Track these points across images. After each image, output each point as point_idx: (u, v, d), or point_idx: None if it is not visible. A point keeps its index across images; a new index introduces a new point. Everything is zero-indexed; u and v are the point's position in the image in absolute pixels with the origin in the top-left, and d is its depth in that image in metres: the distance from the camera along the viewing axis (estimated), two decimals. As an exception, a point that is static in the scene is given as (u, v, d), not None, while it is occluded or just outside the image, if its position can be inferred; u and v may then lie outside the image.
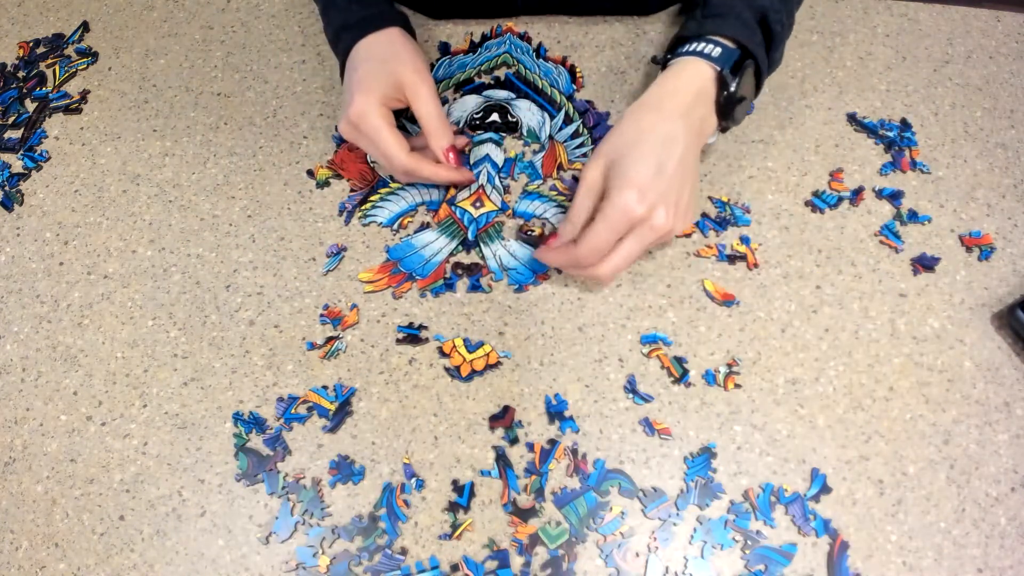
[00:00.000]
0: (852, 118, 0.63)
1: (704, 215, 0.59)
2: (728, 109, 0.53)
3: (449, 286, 0.56)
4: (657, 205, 0.50)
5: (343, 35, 0.59)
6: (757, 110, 0.64)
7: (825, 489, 0.48)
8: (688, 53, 0.54)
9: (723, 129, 0.56)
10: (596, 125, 0.63)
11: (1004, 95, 0.65)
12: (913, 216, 0.58)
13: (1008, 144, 0.62)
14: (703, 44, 0.54)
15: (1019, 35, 0.68)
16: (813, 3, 0.70)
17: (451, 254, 0.58)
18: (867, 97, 0.65)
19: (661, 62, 0.57)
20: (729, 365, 0.52)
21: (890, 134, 0.62)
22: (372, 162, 0.63)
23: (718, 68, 0.52)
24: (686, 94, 0.52)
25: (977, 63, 0.67)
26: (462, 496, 0.49)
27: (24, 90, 0.70)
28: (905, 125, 0.63)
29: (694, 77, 0.53)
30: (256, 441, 0.51)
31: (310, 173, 0.62)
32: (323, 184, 0.62)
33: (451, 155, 0.57)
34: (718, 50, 0.53)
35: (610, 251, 0.51)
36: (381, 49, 0.57)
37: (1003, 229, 0.58)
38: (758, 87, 0.56)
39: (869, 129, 0.63)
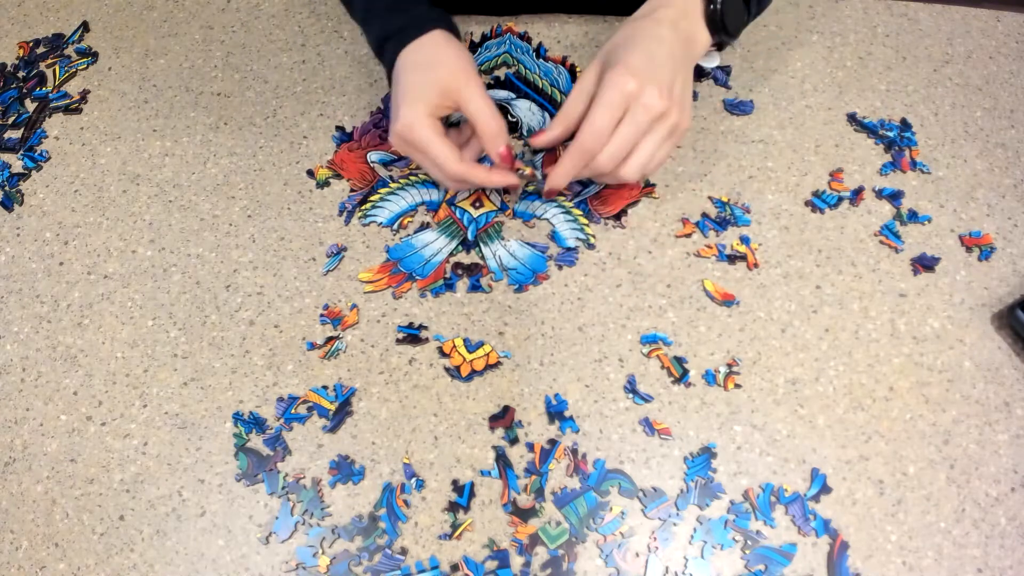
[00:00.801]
0: (852, 118, 0.63)
1: (704, 215, 0.59)
2: (716, 23, 0.54)
3: (449, 286, 0.56)
4: (647, 83, 0.50)
5: (386, 46, 0.57)
6: (757, 110, 0.64)
7: (825, 489, 0.48)
8: None
9: (718, 46, 0.57)
10: (596, 125, 0.63)
11: (1004, 95, 0.65)
12: (913, 216, 0.58)
13: (1008, 144, 0.62)
14: None
15: (1019, 35, 0.68)
16: (813, 3, 0.71)
17: (451, 254, 0.58)
18: (867, 97, 0.65)
19: None
20: (729, 365, 0.52)
21: (890, 134, 0.62)
22: (414, 168, 0.62)
23: None
24: (671, 7, 0.54)
25: (977, 63, 0.67)
26: (462, 496, 0.49)
27: (24, 90, 0.70)
28: (905, 125, 0.63)
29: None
30: (256, 441, 0.51)
31: (310, 173, 0.62)
32: (323, 184, 0.62)
33: (505, 157, 0.55)
34: None
35: (624, 150, 0.51)
36: (424, 56, 0.56)
37: (1003, 229, 0.58)
38: (756, 3, 0.57)
39: (869, 129, 0.63)
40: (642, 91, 0.50)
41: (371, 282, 0.57)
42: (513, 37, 0.69)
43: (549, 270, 0.57)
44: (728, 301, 0.55)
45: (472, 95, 0.54)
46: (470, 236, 0.58)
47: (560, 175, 0.53)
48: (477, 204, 0.60)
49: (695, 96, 0.65)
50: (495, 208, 0.59)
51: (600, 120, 0.50)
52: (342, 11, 0.72)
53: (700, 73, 0.66)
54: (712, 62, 0.61)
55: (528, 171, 0.57)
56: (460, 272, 0.57)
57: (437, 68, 0.54)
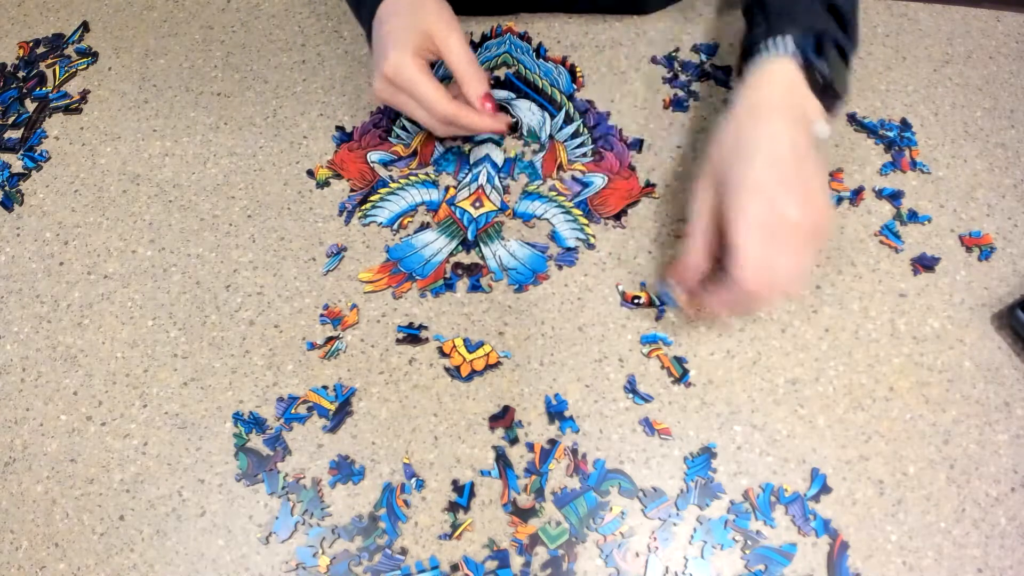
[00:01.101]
0: (852, 118, 0.63)
1: (704, 215, 0.59)
2: (826, 89, 0.50)
3: (449, 286, 0.56)
4: (781, 199, 0.45)
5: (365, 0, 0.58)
6: (757, 110, 0.64)
7: (825, 489, 0.48)
8: (763, 56, 0.51)
9: (830, 111, 0.52)
10: (596, 125, 0.63)
11: (1004, 95, 0.65)
12: (913, 216, 0.58)
13: (1008, 144, 0.62)
14: (775, 45, 0.51)
15: (1019, 35, 0.68)
16: (813, 3, 0.70)
17: (451, 254, 0.58)
18: (867, 97, 0.65)
19: (738, 72, 0.55)
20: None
21: (890, 134, 0.62)
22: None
23: (799, 56, 0.50)
24: (777, 91, 0.50)
25: (977, 63, 0.67)
26: (462, 496, 0.49)
27: (24, 90, 0.70)
28: (905, 125, 0.63)
29: (779, 74, 0.50)
30: (256, 441, 0.51)
31: (310, 173, 0.62)
32: (323, 184, 0.62)
33: (488, 104, 0.56)
34: (791, 43, 0.50)
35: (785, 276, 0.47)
36: (406, 3, 0.56)
37: (1003, 229, 0.58)
38: (852, 50, 0.53)
39: (869, 129, 0.63)
40: (779, 209, 0.45)
41: (371, 282, 0.57)
42: (513, 37, 0.69)
43: (549, 270, 0.57)
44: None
45: (453, 41, 0.55)
46: (470, 236, 0.58)
47: (719, 308, 0.50)
48: (477, 204, 0.60)
49: (695, 96, 0.65)
50: (495, 208, 0.59)
51: (752, 252, 0.45)
52: (342, 11, 0.72)
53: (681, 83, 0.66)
54: (825, 131, 0.51)
55: (644, 297, 0.54)
56: (460, 272, 0.57)
57: (420, 13, 0.55)
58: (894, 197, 0.59)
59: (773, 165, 0.47)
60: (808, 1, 0.52)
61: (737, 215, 0.46)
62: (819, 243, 0.48)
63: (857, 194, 0.59)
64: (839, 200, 0.59)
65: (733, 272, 0.46)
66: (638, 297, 0.55)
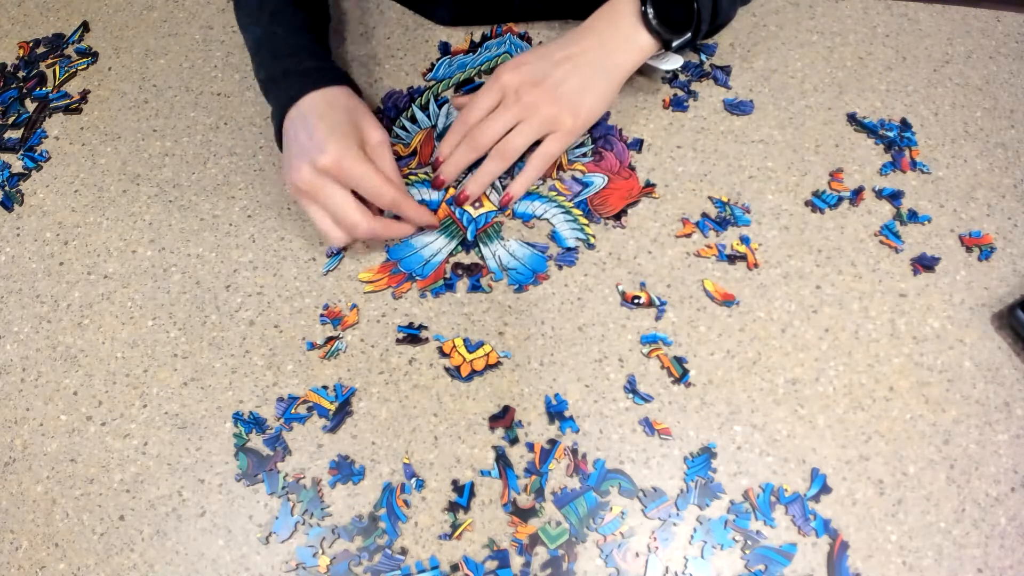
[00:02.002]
0: (852, 118, 0.63)
1: (704, 215, 0.59)
2: (651, 26, 0.56)
3: (449, 286, 0.56)
4: (527, 82, 0.55)
5: (296, 80, 0.56)
6: (757, 110, 0.64)
7: (825, 489, 0.48)
8: None
9: (666, 45, 0.58)
10: (596, 125, 0.63)
11: (1004, 95, 0.65)
12: (913, 216, 0.58)
13: (1008, 144, 0.62)
14: None
15: (1019, 35, 0.68)
16: (813, 3, 0.70)
17: (451, 254, 0.58)
18: (867, 97, 0.65)
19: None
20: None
21: (890, 134, 0.62)
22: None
23: None
24: (599, 22, 0.58)
25: (977, 63, 0.67)
26: (462, 496, 0.49)
27: (24, 90, 0.70)
28: (905, 125, 0.63)
29: (609, 7, 0.58)
30: (256, 441, 0.51)
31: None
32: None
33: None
34: None
35: (495, 129, 0.56)
36: (345, 102, 0.56)
37: (1003, 229, 0.58)
38: (706, 24, 0.58)
39: (869, 129, 0.63)
40: (518, 83, 0.56)
41: (371, 282, 0.57)
42: (513, 37, 0.69)
43: (549, 270, 0.57)
44: (728, 301, 0.55)
45: (388, 155, 0.57)
46: (469, 236, 0.58)
47: (446, 144, 0.59)
48: (477, 204, 0.60)
49: (695, 96, 0.64)
50: (495, 208, 0.59)
51: (477, 102, 0.57)
52: (342, 11, 0.72)
53: (673, 78, 0.65)
54: (669, 63, 0.59)
55: (644, 297, 0.55)
56: (460, 272, 0.57)
57: (358, 117, 0.56)
58: (894, 197, 0.59)
59: (539, 57, 0.57)
60: None
61: (490, 78, 0.57)
62: (561, 138, 0.57)
63: (857, 194, 0.59)
64: (839, 200, 0.59)
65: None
66: (638, 297, 0.55)
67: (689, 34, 0.57)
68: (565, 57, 0.56)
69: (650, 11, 0.56)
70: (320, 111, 0.54)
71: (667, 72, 0.62)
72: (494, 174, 0.58)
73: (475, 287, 0.56)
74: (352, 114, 0.56)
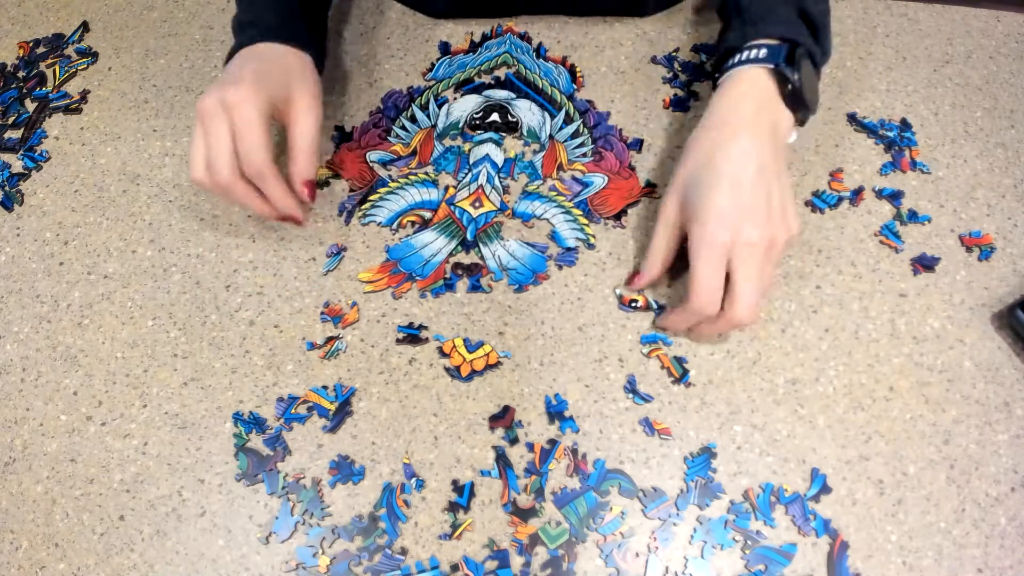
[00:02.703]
0: (852, 118, 0.63)
1: (704, 215, 0.58)
2: (797, 100, 0.52)
3: (449, 286, 0.56)
4: (742, 224, 0.47)
5: (254, 29, 0.57)
6: (757, 110, 0.64)
7: (825, 489, 0.48)
8: (737, 64, 0.53)
9: (801, 122, 0.54)
10: (596, 125, 0.63)
11: (1004, 95, 0.65)
12: (913, 216, 0.58)
13: (1008, 144, 0.62)
14: (749, 51, 0.52)
15: (1019, 35, 0.68)
16: (813, 3, 0.70)
17: (450, 254, 0.58)
18: (867, 97, 0.65)
19: (712, 80, 0.56)
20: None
21: (890, 134, 0.62)
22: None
23: (771, 66, 0.51)
24: (748, 103, 0.51)
25: (977, 63, 0.67)
26: (462, 496, 0.49)
27: (24, 90, 0.70)
28: (905, 125, 0.63)
29: (752, 85, 0.52)
30: (256, 441, 0.51)
31: (310, 173, 0.62)
32: (323, 184, 0.62)
33: (307, 190, 0.55)
34: (764, 51, 0.52)
35: (733, 292, 0.48)
36: (290, 61, 0.55)
37: (1003, 229, 0.58)
38: (823, 61, 0.55)
39: (869, 129, 0.63)
40: (739, 234, 0.47)
41: (371, 282, 0.57)
42: (513, 37, 0.69)
43: (549, 270, 0.57)
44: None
45: (310, 120, 0.54)
46: (469, 236, 0.58)
47: (669, 325, 0.53)
48: (477, 204, 0.60)
49: (695, 96, 0.64)
50: (495, 208, 0.59)
51: (705, 280, 0.48)
52: (342, 11, 0.72)
53: (674, 78, 0.65)
54: (792, 138, 0.55)
55: (642, 301, 0.55)
56: (460, 272, 0.57)
57: (296, 78, 0.54)
58: (894, 197, 0.59)
59: (737, 190, 0.48)
60: (783, 8, 0.53)
61: (699, 243, 0.48)
62: (778, 256, 0.50)
63: (857, 194, 0.59)
64: (839, 200, 0.59)
65: (689, 296, 0.49)
66: (635, 301, 0.55)
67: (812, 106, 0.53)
68: (757, 172, 0.49)
69: (798, 83, 0.50)
70: (257, 57, 0.55)
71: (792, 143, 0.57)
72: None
73: (475, 287, 0.56)
74: (287, 74, 0.54)
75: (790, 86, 0.51)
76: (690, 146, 0.52)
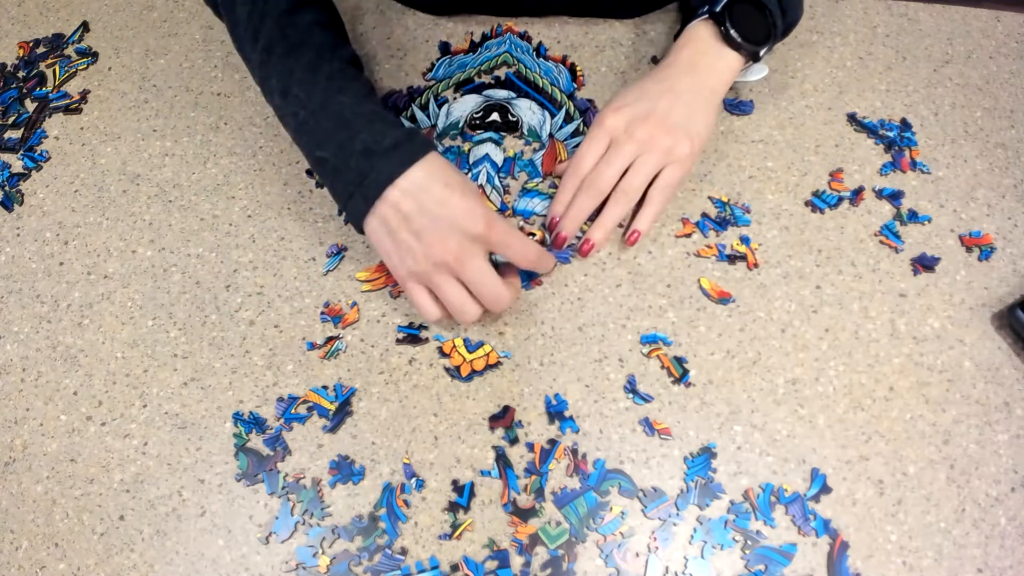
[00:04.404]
0: (852, 118, 0.63)
1: (704, 215, 0.59)
2: (733, 41, 0.57)
3: (449, 286, 0.56)
4: (631, 116, 0.55)
5: (399, 151, 0.49)
6: (757, 110, 0.64)
7: (825, 489, 0.48)
8: (687, 23, 0.60)
9: (752, 57, 0.59)
10: (596, 125, 0.63)
11: (1004, 95, 0.65)
12: (913, 216, 0.58)
13: (1008, 144, 0.62)
14: (704, 7, 0.59)
15: (1019, 35, 0.68)
16: (813, 3, 0.70)
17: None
18: (867, 97, 0.65)
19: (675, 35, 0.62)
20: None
21: (890, 134, 0.62)
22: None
23: (706, 16, 0.58)
24: (686, 51, 0.58)
25: (977, 63, 0.67)
26: (462, 496, 0.49)
27: (24, 90, 0.70)
28: (905, 125, 0.63)
29: (690, 37, 0.59)
30: (256, 441, 0.51)
31: (310, 173, 0.62)
32: (323, 184, 0.62)
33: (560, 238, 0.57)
34: (717, 6, 0.58)
35: (611, 173, 0.55)
36: (451, 171, 0.50)
37: (1003, 229, 0.58)
38: (780, 26, 0.59)
39: (869, 129, 0.63)
40: (625, 123, 0.55)
41: (369, 281, 0.57)
42: (513, 37, 0.69)
43: (542, 275, 0.56)
44: (724, 299, 0.55)
45: (507, 227, 0.50)
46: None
47: (560, 201, 0.57)
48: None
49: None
50: (495, 208, 0.59)
51: (586, 151, 0.56)
52: (342, 11, 0.72)
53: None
54: (756, 74, 0.61)
55: (539, 234, 0.58)
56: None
57: (471, 189, 0.50)
58: (894, 197, 0.59)
59: (642, 95, 0.57)
60: None
61: (594, 123, 0.57)
62: (681, 166, 0.56)
63: (857, 194, 0.59)
64: (839, 200, 0.59)
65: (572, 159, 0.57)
66: (532, 234, 0.58)
67: (771, 41, 0.59)
68: (663, 90, 0.56)
69: (732, 31, 0.57)
70: (444, 178, 0.49)
71: (757, 80, 0.62)
72: (619, 217, 0.56)
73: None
74: (469, 186, 0.50)
75: (722, 29, 0.57)
76: (627, 88, 0.59)
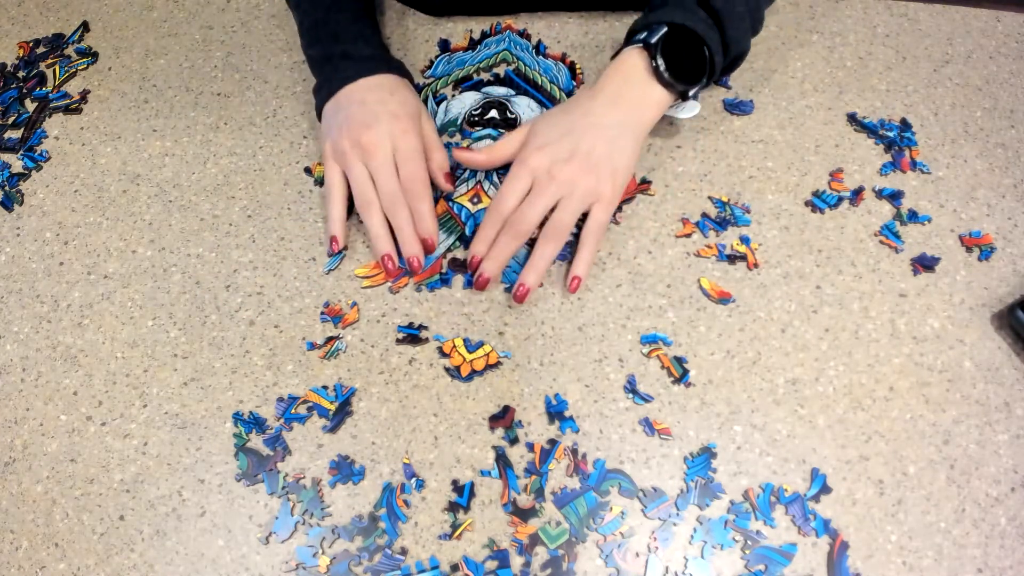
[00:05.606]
0: (852, 118, 0.63)
1: (704, 215, 0.59)
2: (664, 79, 0.55)
3: (445, 281, 0.56)
4: (557, 160, 0.54)
5: (352, 62, 0.60)
6: (757, 110, 0.64)
7: (825, 489, 0.48)
8: (629, 45, 0.58)
9: (682, 96, 0.57)
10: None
11: (1004, 95, 0.65)
12: (913, 216, 0.58)
13: (1008, 144, 0.62)
14: (643, 34, 0.56)
15: (1019, 35, 0.68)
16: (813, 3, 0.70)
17: (448, 249, 0.58)
18: (867, 97, 0.65)
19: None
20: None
21: (890, 134, 0.62)
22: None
23: (641, 46, 0.56)
24: (616, 78, 0.57)
25: (977, 63, 0.67)
26: (462, 496, 0.49)
27: (24, 90, 0.70)
28: (905, 125, 0.63)
29: (623, 63, 0.57)
30: (256, 441, 0.51)
31: (308, 171, 0.62)
32: (322, 183, 0.62)
33: (447, 179, 0.59)
34: (644, 34, 0.56)
35: (535, 213, 0.54)
36: (406, 86, 0.61)
37: (1003, 229, 0.58)
38: (721, 62, 0.57)
39: (869, 129, 0.63)
40: (548, 163, 0.54)
41: (368, 277, 0.57)
42: (512, 34, 0.69)
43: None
44: (724, 299, 0.55)
45: (430, 122, 0.61)
46: (467, 232, 0.58)
47: (481, 240, 0.56)
48: (475, 200, 0.60)
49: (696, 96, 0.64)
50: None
51: (508, 193, 0.55)
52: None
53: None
54: (687, 112, 0.58)
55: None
56: (456, 268, 0.57)
57: (413, 97, 0.61)
58: (894, 197, 0.59)
59: (567, 133, 0.55)
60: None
61: (517, 161, 0.56)
62: (604, 206, 0.55)
63: (857, 194, 0.59)
64: (839, 200, 0.59)
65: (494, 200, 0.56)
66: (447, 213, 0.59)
67: (703, 80, 0.57)
68: (587, 125, 0.55)
69: (661, 64, 0.55)
70: (388, 89, 0.59)
71: (688, 119, 0.61)
72: (550, 257, 0.55)
73: (471, 283, 0.56)
74: (413, 97, 0.60)
75: (654, 64, 0.55)
76: (550, 111, 0.59)
